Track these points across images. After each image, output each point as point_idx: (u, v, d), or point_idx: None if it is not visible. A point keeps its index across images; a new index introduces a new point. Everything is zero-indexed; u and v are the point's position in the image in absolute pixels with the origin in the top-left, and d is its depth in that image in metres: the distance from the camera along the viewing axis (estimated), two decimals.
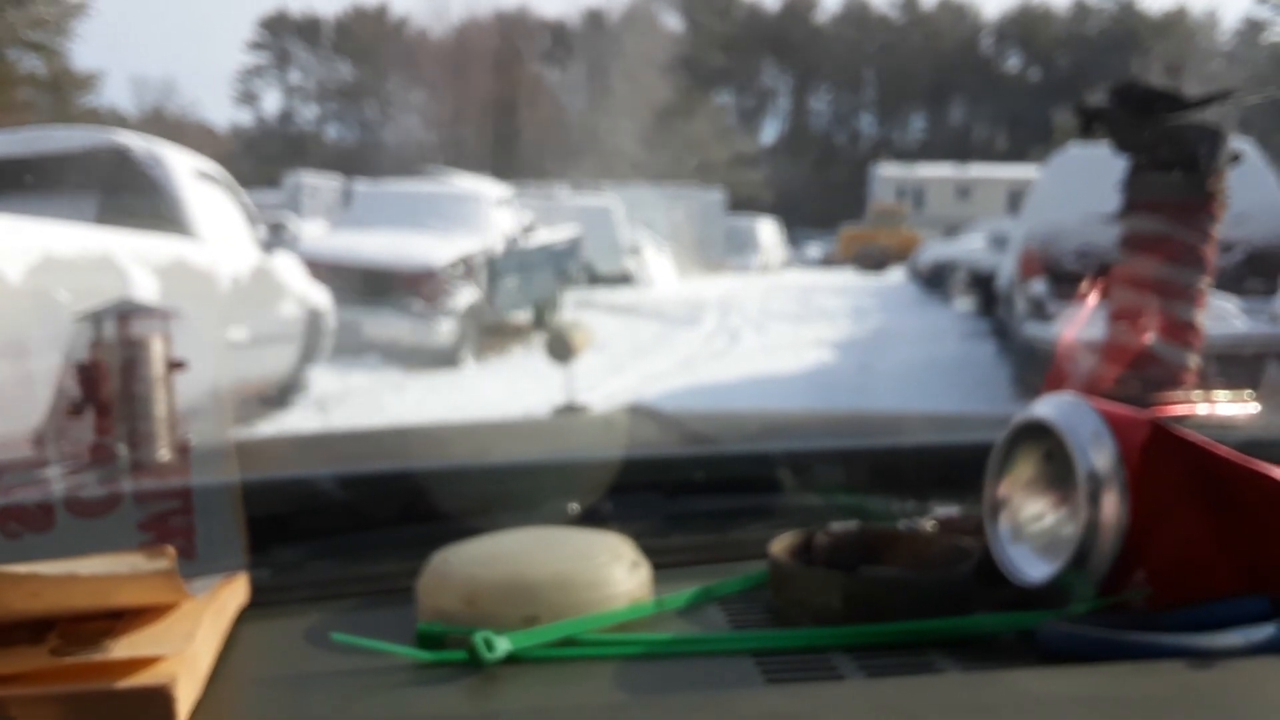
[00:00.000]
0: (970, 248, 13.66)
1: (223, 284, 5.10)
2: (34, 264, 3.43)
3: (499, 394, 7.11)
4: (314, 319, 6.51)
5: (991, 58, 55.30)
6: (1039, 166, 8.74)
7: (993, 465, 0.71)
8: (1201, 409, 1.13)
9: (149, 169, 4.91)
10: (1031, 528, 0.69)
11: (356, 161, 32.77)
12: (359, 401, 6.59)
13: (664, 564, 0.71)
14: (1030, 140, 35.86)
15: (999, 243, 9.55)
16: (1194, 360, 1.23)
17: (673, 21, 51.33)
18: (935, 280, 15.70)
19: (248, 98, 52.52)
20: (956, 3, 55.54)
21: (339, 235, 9.41)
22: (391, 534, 0.85)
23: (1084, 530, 0.62)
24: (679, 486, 0.93)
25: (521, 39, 44.25)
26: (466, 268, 8.70)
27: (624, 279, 16.29)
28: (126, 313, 0.84)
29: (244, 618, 0.67)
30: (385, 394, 6.87)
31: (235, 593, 0.67)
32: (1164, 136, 1.21)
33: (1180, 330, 1.23)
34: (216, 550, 0.69)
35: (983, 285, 10.58)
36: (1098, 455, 0.63)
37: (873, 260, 26.15)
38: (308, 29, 51.81)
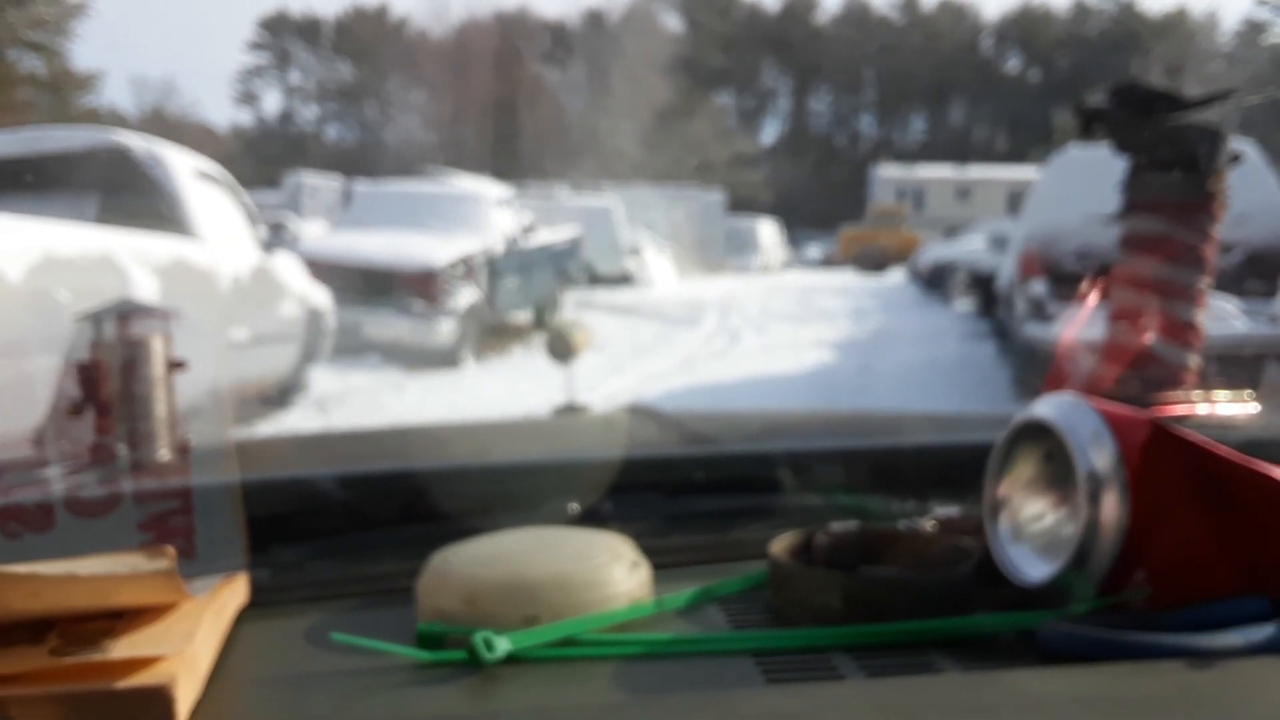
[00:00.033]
0: (970, 248, 13.67)
1: (223, 284, 5.10)
2: (34, 264, 3.43)
3: (499, 394, 7.11)
4: (314, 319, 6.51)
5: (991, 59, 55.31)
6: (1039, 167, 8.75)
7: (993, 465, 0.71)
8: (1201, 409, 1.13)
9: (149, 169, 4.91)
10: (1031, 528, 0.69)
11: (356, 162, 32.84)
12: (359, 401, 6.59)
13: (664, 564, 0.71)
14: (1030, 141, 35.82)
15: (999, 243, 9.56)
16: (1194, 360, 1.23)
17: (673, 22, 51.48)
18: (935, 281, 15.70)
19: (248, 98, 52.63)
20: (956, 4, 55.61)
21: (339, 235, 9.42)
22: (391, 534, 0.85)
23: (1084, 530, 0.62)
24: (679, 486, 0.93)
25: (521, 39, 44.26)
26: (466, 268, 8.70)
27: (624, 279, 16.29)
28: (126, 313, 0.84)
29: (244, 618, 0.67)
30: (385, 394, 6.86)
31: (235, 593, 0.67)
32: (1164, 137, 1.21)
33: (1180, 330, 1.23)
34: (216, 550, 0.69)
35: (983, 286, 10.59)
36: (1098, 455, 0.63)
37: (873, 261, 26.16)
38: (308, 29, 51.86)
